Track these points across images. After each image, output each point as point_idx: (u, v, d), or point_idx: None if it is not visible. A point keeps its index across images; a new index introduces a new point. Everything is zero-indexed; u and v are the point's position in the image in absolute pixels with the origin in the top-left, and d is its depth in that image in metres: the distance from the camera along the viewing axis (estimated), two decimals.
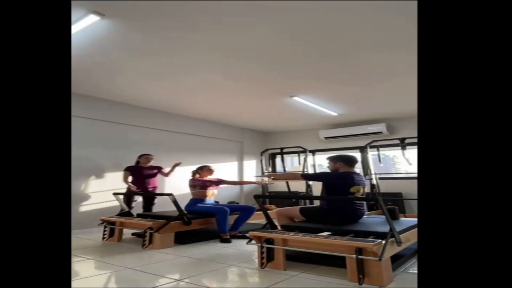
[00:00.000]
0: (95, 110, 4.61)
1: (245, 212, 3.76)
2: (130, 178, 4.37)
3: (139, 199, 4.56)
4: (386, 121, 6.14)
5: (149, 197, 4.53)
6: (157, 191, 4.65)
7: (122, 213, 3.98)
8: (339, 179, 2.80)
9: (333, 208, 2.73)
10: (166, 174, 4.69)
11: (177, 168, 4.64)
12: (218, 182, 3.95)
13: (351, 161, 2.92)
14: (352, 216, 2.73)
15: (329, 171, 3.04)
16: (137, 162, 4.57)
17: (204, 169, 3.95)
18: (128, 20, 2.50)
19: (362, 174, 5.60)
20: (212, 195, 3.90)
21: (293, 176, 3.41)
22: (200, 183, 3.82)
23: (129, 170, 4.40)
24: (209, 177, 3.95)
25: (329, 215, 2.71)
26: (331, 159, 3.01)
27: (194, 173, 3.94)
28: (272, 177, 3.92)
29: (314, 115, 5.85)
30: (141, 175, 4.45)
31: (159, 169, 4.65)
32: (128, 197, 4.32)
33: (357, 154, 6.37)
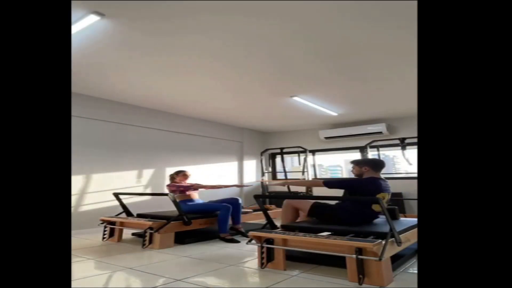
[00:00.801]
0: (95, 110, 4.61)
1: (233, 205, 3.80)
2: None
3: None
4: (386, 121, 6.14)
5: None
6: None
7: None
8: (364, 186, 2.65)
9: (352, 210, 2.65)
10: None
11: (176, 168, 4.63)
12: (190, 186, 3.97)
13: (379, 165, 2.78)
14: (370, 218, 2.67)
15: (353, 176, 2.89)
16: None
17: (180, 174, 4.06)
18: (128, 20, 2.50)
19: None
20: (196, 195, 4.01)
21: (314, 183, 3.09)
22: (174, 188, 3.89)
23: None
24: (186, 182, 4.06)
25: (346, 216, 2.62)
26: (356, 163, 2.86)
27: (171, 177, 4.08)
28: (286, 185, 3.28)
29: (314, 115, 5.85)
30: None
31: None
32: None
33: (357, 154, 6.41)
